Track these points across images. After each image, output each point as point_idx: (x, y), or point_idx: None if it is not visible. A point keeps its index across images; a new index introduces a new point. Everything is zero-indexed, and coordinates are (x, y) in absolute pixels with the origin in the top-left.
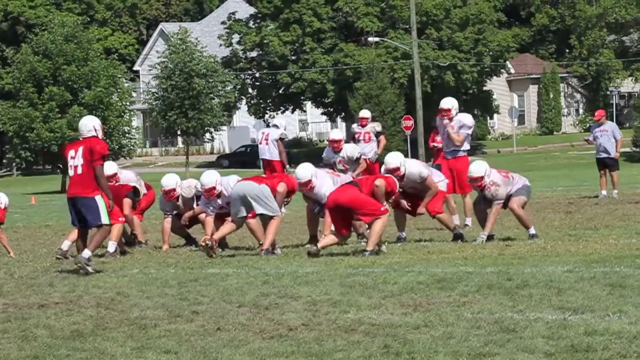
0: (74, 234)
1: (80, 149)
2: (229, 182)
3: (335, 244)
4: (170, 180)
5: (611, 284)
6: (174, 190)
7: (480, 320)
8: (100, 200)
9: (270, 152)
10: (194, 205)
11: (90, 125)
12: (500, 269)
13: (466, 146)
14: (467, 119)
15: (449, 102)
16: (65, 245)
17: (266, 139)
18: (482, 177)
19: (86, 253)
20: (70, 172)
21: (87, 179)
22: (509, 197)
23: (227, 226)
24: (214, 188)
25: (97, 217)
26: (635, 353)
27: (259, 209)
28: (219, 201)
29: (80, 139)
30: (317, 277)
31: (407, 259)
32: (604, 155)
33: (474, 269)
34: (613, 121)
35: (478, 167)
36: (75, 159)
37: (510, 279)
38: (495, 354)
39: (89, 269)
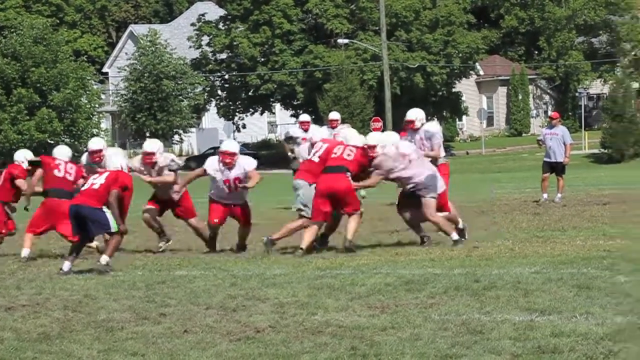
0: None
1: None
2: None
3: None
4: (153, 145)
5: (578, 285)
6: (154, 154)
7: (447, 322)
8: (107, 210)
9: None
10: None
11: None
12: (468, 271)
13: (442, 152)
14: (433, 127)
15: (413, 114)
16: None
17: None
18: (375, 146)
19: (104, 259)
20: (85, 186)
21: (100, 196)
22: (400, 180)
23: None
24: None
25: (106, 225)
26: (602, 354)
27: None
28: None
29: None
30: (284, 279)
31: (374, 261)
32: (552, 159)
33: (442, 271)
34: (582, 123)
35: (375, 136)
36: (98, 178)
37: (478, 280)
38: (462, 356)
39: (110, 273)
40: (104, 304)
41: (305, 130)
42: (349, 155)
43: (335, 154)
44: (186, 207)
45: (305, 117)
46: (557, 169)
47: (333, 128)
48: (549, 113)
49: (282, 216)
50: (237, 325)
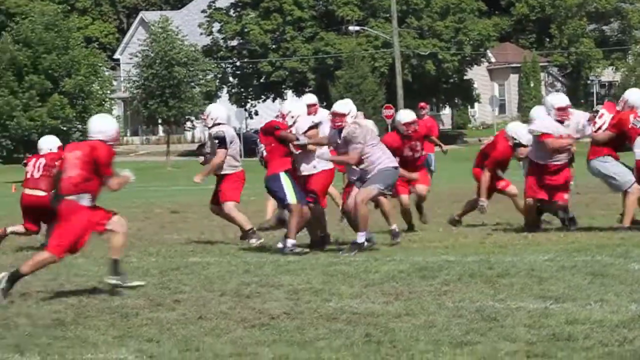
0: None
1: None
2: None
3: None
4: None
5: (592, 272)
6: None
7: (461, 309)
8: None
9: None
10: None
11: None
12: (482, 258)
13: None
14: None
15: (343, 107)
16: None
17: None
18: (344, 115)
19: None
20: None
21: None
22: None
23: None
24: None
25: None
26: (617, 342)
27: None
28: None
29: None
30: (298, 266)
31: (388, 248)
32: None
33: (456, 258)
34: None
35: (345, 105)
36: None
37: (492, 267)
38: (477, 343)
39: None
40: (118, 290)
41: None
42: None
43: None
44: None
45: (311, 98)
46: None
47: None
48: None
49: None
50: (252, 311)
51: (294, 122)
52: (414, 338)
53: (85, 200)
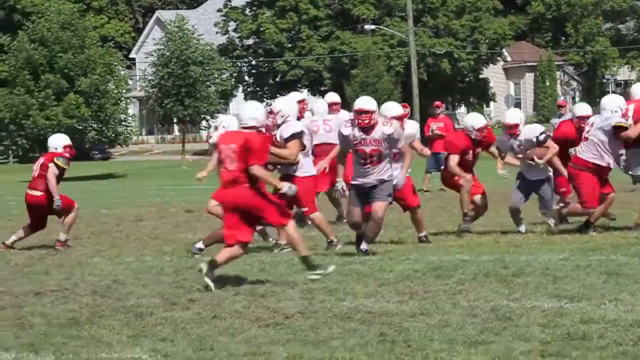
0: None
1: None
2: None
3: None
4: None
5: (607, 272)
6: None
7: (476, 309)
8: None
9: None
10: None
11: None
12: (496, 257)
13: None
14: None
15: (370, 104)
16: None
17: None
18: (372, 112)
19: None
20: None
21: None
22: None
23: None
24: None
25: None
26: (632, 341)
27: None
28: None
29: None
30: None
31: (403, 247)
32: None
33: (470, 257)
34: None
35: (371, 101)
36: None
37: (506, 267)
38: (491, 342)
39: None
40: (133, 289)
41: (336, 112)
42: None
43: None
44: None
45: (333, 96)
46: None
47: (333, 112)
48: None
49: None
50: (266, 311)
51: (283, 122)
52: (428, 337)
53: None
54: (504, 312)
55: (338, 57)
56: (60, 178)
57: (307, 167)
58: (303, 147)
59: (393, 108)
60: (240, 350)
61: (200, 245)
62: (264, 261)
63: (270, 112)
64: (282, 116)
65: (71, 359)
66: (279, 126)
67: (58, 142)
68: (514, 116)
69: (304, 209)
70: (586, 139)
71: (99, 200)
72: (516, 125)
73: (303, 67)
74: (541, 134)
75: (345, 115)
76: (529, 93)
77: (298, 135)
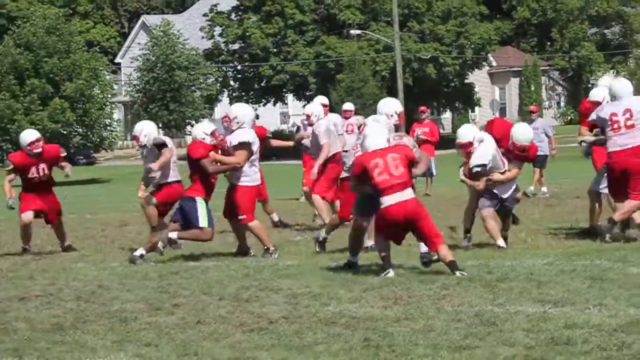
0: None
1: None
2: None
3: None
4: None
5: (591, 277)
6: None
7: (460, 314)
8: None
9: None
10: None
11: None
12: (481, 262)
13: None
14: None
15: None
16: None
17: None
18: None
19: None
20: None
21: None
22: None
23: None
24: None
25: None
26: (615, 346)
27: None
28: None
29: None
30: (297, 270)
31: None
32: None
33: None
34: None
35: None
36: None
37: (491, 272)
38: (476, 347)
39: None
40: (117, 294)
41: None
42: None
43: None
44: None
45: (323, 99)
46: (540, 162)
47: (346, 118)
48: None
49: (290, 207)
50: (250, 316)
51: (238, 128)
52: (412, 342)
53: None
54: (488, 317)
55: (324, 62)
56: (24, 178)
57: (251, 176)
58: (250, 156)
59: (395, 104)
60: (224, 356)
61: (140, 252)
62: (249, 266)
63: (226, 117)
64: (237, 122)
65: None
66: (232, 132)
67: (25, 138)
68: (466, 134)
69: (241, 217)
70: (633, 125)
71: (84, 205)
72: (470, 144)
73: (289, 72)
74: (475, 166)
75: (333, 117)
76: (514, 98)
77: (246, 145)
